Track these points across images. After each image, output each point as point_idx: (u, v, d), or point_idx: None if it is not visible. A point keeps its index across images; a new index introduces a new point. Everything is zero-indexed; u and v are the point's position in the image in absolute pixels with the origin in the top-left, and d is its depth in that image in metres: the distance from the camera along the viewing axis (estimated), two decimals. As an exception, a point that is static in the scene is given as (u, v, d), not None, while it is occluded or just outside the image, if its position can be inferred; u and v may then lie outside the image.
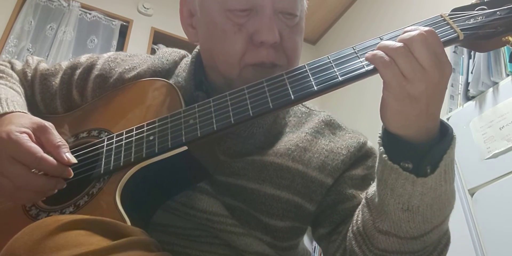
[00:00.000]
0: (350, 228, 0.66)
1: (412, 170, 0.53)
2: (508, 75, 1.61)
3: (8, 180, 0.58)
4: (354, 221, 0.64)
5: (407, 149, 0.54)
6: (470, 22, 0.59)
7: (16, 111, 0.68)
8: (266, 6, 0.66)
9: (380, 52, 0.53)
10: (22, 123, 0.63)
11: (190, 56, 0.80)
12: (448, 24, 0.59)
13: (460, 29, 0.58)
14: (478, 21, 0.59)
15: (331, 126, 0.79)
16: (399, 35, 0.55)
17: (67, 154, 0.61)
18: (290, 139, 0.74)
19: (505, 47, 1.60)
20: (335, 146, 0.75)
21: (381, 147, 0.56)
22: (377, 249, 0.61)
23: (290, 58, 0.69)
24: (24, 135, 0.60)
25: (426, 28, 0.53)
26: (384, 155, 0.55)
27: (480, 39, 0.59)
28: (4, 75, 0.82)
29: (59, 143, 0.62)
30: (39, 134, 0.62)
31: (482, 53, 1.67)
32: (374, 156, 0.76)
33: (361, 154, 0.76)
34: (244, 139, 0.72)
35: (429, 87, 0.51)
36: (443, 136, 0.55)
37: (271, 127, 0.75)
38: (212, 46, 0.71)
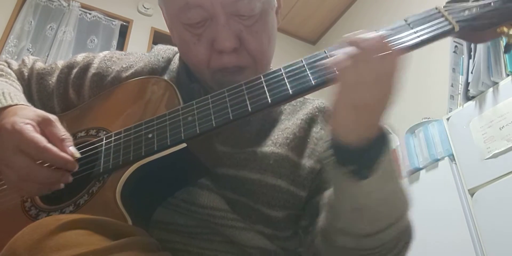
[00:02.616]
0: (318, 224, 0.67)
1: (355, 172, 0.55)
2: (508, 75, 1.61)
3: (13, 171, 0.59)
4: (320, 218, 0.66)
5: (349, 153, 0.56)
6: (465, 14, 0.59)
7: (19, 104, 0.68)
8: (218, 14, 0.66)
9: (330, 65, 0.54)
10: (27, 115, 0.63)
11: None
12: (443, 16, 0.59)
13: (455, 21, 0.58)
14: (473, 12, 0.59)
15: (325, 113, 0.80)
16: (396, 27, 0.58)
17: (71, 147, 0.61)
18: (287, 127, 0.75)
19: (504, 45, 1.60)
20: (325, 134, 0.75)
21: (329, 150, 0.57)
22: (336, 246, 0.62)
23: (255, 57, 0.70)
24: (29, 126, 0.60)
25: (380, 38, 0.52)
26: (332, 157, 0.56)
27: (475, 30, 0.59)
28: (4, 73, 0.83)
29: (64, 136, 0.62)
30: (43, 127, 0.62)
31: (482, 53, 1.67)
32: None
33: None
34: (240, 127, 0.73)
35: (374, 98, 0.52)
36: (382, 140, 0.56)
37: (266, 115, 0.76)
38: (182, 53, 0.77)
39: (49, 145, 0.59)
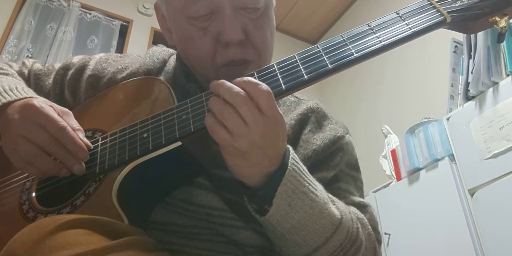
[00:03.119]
0: None
1: (257, 210, 0.59)
2: (508, 75, 1.60)
3: (32, 144, 0.61)
4: None
5: (249, 192, 0.60)
6: (456, 5, 0.60)
7: (35, 97, 0.70)
8: (224, 6, 0.67)
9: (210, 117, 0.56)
10: (47, 101, 0.67)
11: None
12: (434, 7, 0.60)
13: (447, 12, 0.59)
14: (464, 3, 0.60)
15: (318, 114, 0.80)
16: (388, 20, 0.60)
17: (84, 138, 0.64)
18: None
19: (504, 43, 1.60)
20: (311, 137, 0.75)
21: (243, 193, 0.61)
22: None
23: (260, 51, 0.70)
24: (51, 108, 0.64)
25: (254, 88, 0.54)
26: (244, 197, 0.60)
27: (467, 21, 0.60)
28: (10, 73, 0.84)
29: (78, 127, 0.65)
30: (61, 115, 0.65)
31: (482, 53, 1.67)
32: (342, 152, 0.77)
33: (335, 148, 0.76)
34: None
35: (255, 140, 0.54)
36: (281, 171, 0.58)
37: None
38: (185, 50, 0.74)
39: (68, 127, 0.63)
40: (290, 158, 0.58)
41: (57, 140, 0.62)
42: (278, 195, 0.56)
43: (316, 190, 0.60)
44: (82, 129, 0.65)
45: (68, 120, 0.65)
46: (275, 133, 0.56)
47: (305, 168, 0.61)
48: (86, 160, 0.63)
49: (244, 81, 0.55)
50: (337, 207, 0.63)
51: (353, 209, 0.70)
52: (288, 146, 0.61)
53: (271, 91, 0.55)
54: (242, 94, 0.54)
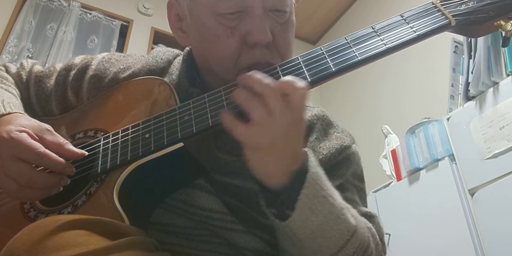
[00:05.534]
0: None
1: (276, 214, 0.57)
2: (508, 75, 1.60)
3: (12, 180, 0.59)
4: None
5: (270, 195, 0.58)
6: (461, 8, 0.60)
7: (13, 112, 0.68)
8: (256, 6, 0.66)
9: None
10: (22, 123, 0.63)
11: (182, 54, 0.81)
12: (439, 10, 0.60)
13: (451, 15, 0.59)
14: (469, 6, 0.60)
15: (323, 121, 0.79)
16: (393, 23, 0.60)
17: (76, 149, 0.62)
18: None
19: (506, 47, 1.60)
20: (318, 145, 0.74)
21: (261, 196, 0.59)
22: None
23: (283, 55, 0.69)
24: (24, 133, 0.61)
25: (292, 85, 0.54)
26: (261, 200, 0.59)
27: (472, 24, 0.60)
28: (0, 78, 0.82)
29: (63, 142, 0.63)
30: (40, 134, 0.63)
31: (482, 53, 1.67)
32: (348, 162, 0.76)
33: (341, 158, 0.75)
34: None
35: (278, 134, 0.53)
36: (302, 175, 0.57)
37: None
38: (206, 50, 0.70)
39: (47, 151, 0.59)
40: (309, 161, 0.58)
41: (40, 167, 0.59)
42: (300, 199, 0.55)
43: (333, 194, 0.60)
44: (67, 142, 0.63)
45: (49, 138, 0.62)
46: (299, 130, 0.56)
47: (322, 172, 0.60)
48: (73, 173, 0.62)
49: (283, 80, 0.55)
50: (351, 214, 0.62)
51: (363, 218, 0.69)
52: (306, 149, 0.60)
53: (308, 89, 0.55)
54: (272, 85, 0.53)
